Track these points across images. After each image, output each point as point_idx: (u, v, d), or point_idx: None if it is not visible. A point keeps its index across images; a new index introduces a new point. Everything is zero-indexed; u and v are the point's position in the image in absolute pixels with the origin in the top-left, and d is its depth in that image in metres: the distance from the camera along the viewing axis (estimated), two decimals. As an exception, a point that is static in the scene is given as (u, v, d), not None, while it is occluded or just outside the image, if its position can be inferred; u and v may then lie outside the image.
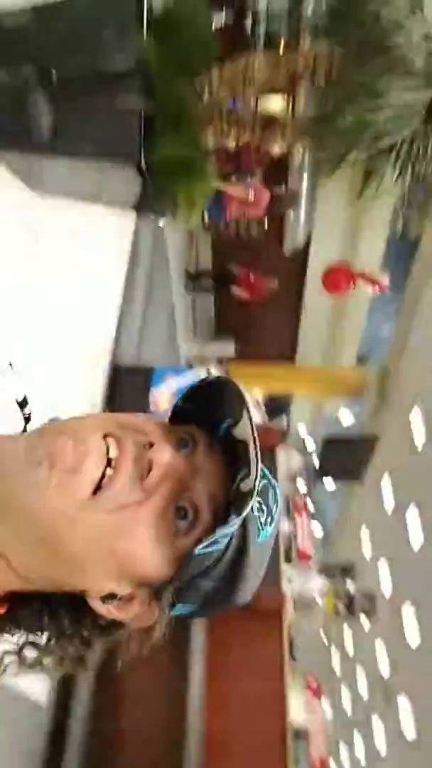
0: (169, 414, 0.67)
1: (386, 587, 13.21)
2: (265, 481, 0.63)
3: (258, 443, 0.58)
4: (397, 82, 1.94)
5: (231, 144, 2.61)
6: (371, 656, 14.80)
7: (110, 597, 0.61)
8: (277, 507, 0.64)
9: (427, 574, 9.93)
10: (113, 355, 5.14)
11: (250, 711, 3.56)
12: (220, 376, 0.64)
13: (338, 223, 9.94)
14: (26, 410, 0.72)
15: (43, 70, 2.71)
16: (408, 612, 10.61)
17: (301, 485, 12.03)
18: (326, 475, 8.42)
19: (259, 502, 0.61)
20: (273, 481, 0.65)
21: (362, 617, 10.97)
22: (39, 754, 3.60)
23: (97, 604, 0.61)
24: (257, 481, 0.57)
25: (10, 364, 0.71)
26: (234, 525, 0.57)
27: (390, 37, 1.94)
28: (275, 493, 0.64)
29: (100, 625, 0.64)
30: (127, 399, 4.81)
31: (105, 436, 0.57)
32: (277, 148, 2.51)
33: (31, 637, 0.64)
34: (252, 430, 0.59)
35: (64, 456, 0.54)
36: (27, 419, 0.72)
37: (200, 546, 0.57)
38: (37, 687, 3.58)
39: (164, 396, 4.88)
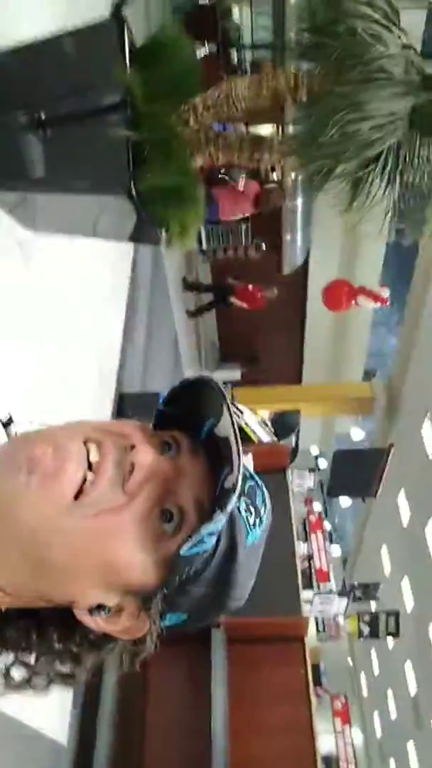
0: (153, 420, 0.66)
1: (410, 605, 12.95)
2: (252, 483, 0.62)
3: (239, 439, 0.56)
4: (378, 92, 1.96)
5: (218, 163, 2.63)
6: (400, 678, 14.44)
7: (98, 609, 0.58)
8: (266, 509, 0.62)
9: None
10: (118, 384, 5.16)
11: (276, 739, 3.45)
12: (200, 376, 0.62)
13: (335, 241, 10.03)
14: (11, 429, 0.71)
15: (32, 112, 2.76)
16: (434, 629, 10.40)
17: (316, 505, 11.91)
18: (339, 492, 8.31)
19: (246, 503, 0.59)
20: (260, 482, 0.63)
21: (388, 638, 10.74)
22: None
23: (85, 617, 0.59)
24: (239, 476, 0.55)
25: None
26: (219, 522, 0.55)
27: (368, 49, 1.98)
28: (263, 495, 0.62)
29: (90, 639, 0.62)
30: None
31: (85, 442, 0.56)
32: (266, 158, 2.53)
33: (19, 656, 0.62)
34: (232, 425, 0.57)
35: (44, 461, 0.53)
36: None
37: (186, 546, 0.55)
38: (57, 725, 3.50)
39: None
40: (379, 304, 8.57)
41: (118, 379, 5.17)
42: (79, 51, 2.72)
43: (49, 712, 3.40)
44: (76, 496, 0.54)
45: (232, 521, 0.57)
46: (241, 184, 6.53)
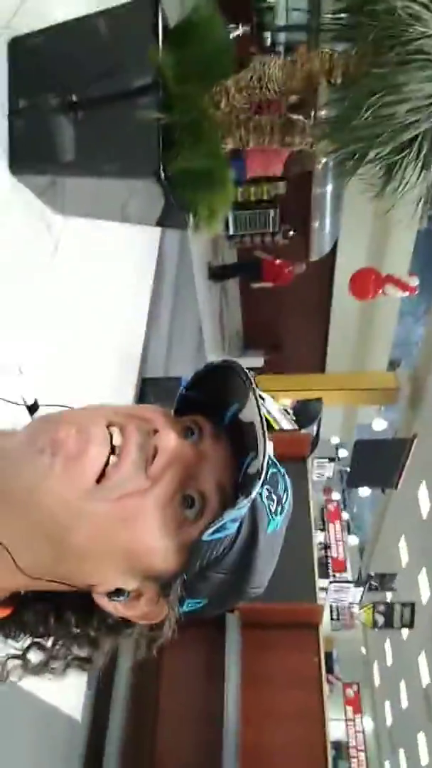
0: (175, 405, 0.65)
1: (426, 597, 12.90)
2: (274, 470, 0.61)
3: (265, 423, 0.55)
4: (416, 74, 1.90)
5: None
6: (413, 669, 14.44)
7: (117, 593, 0.58)
8: (287, 497, 0.62)
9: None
10: (141, 369, 5.18)
11: (287, 724, 3.48)
12: (225, 360, 0.61)
13: (364, 228, 9.86)
14: (36, 415, 0.71)
15: (63, 94, 2.75)
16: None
17: (335, 495, 11.88)
18: (359, 482, 8.26)
19: (268, 490, 0.59)
20: (283, 470, 0.63)
21: (403, 630, 10.72)
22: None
23: (103, 602, 0.59)
24: (265, 461, 0.54)
25: (20, 370, 0.71)
26: (242, 507, 0.54)
27: (406, 29, 1.92)
28: (285, 483, 0.62)
29: (108, 624, 0.62)
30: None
31: (108, 425, 0.56)
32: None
33: (37, 640, 0.62)
34: (258, 410, 0.56)
35: (68, 443, 0.53)
36: None
37: (209, 531, 0.55)
38: (73, 702, 3.58)
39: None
40: (407, 294, 8.43)
41: (142, 363, 5.18)
42: (111, 32, 2.69)
43: (66, 689, 3.47)
44: (99, 480, 0.54)
45: (254, 508, 0.57)
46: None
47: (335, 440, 14.35)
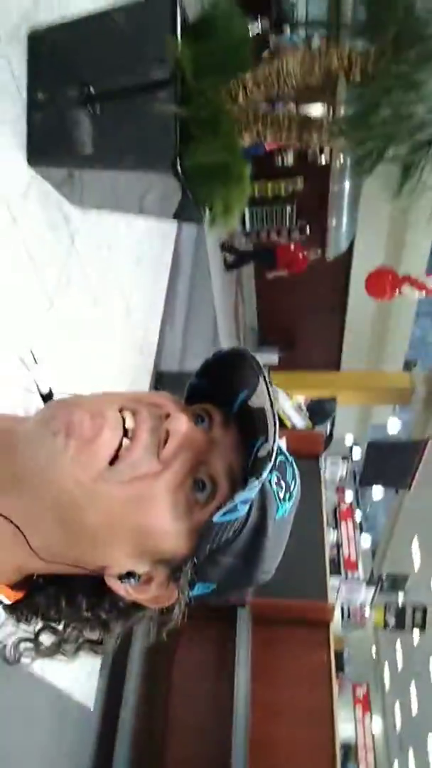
0: (185, 394, 0.66)
1: (439, 600, 12.79)
2: (282, 458, 0.62)
3: (275, 408, 0.56)
4: (435, 73, 1.89)
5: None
6: (423, 671, 14.35)
7: (128, 576, 0.59)
8: (295, 484, 0.63)
9: None
10: (156, 363, 5.19)
11: (297, 721, 3.49)
12: (234, 347, 0.62)
13: (382, 227, 9.79)
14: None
15: (81, 87, 2.76)
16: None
17: (348, 494, 11.82)
18: (372, 481, 8.22)
19: (277, 477, 0.60)
20: (291, 458, 0.64)
21: (414, 631, 10.65)
22: (87, 757, 3.63)
23: (115, 585, 0.60)
24: (275, 445, 0.55)
25: (33, 356, 0.71)
26: (253, 489, 0.55)
27: (427, 27, 1.90)
28: (293, 471, 0.63)
29: (119, 607, 0.62)
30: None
31: (121, 410, 0.57)
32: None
33: (49, 623, 0.63)
34: (268, 395, 0.57)
35: (82, 426, 0.54)
36: None
37: (219, 512, 0.55)
38: (86, 690, 3.61)
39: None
40: (424, 294, 8.36)
41: (157, 357, 5.20)
42: (130, 26, 2.69)
43: (79, 678, 3.50)
44: (112, 462, 0.55)
45: (263, 494, 0.58)
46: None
47: (349, 439, 14.29)
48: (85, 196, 3.18)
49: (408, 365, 11.90)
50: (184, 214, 3.21)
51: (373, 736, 14.16)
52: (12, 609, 0.62)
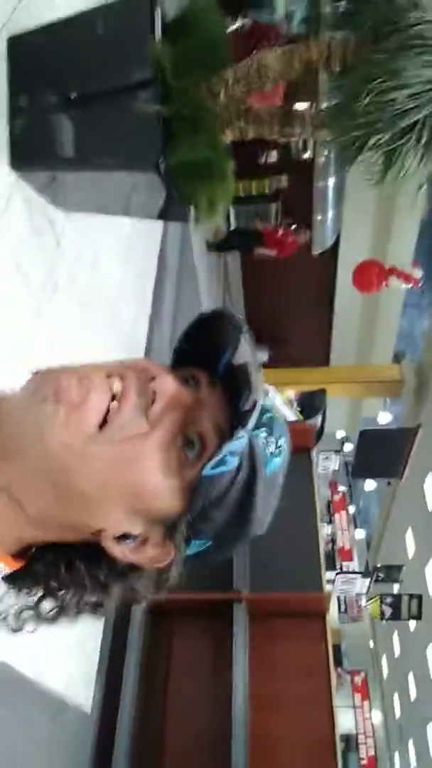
0: (171, 361, 0.67)
1: (434, 589, 12.89)
2: (269, 414, 0.63)
3: (256, 362, 0.58)
4: (415, 59, 1.91)
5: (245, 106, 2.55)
6: (421, 660, 14.46)
7: (124, 538, 0.61)
8: (284, 439, 0.64)
9: None
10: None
11: (296, 712, 3.51)
12: (216, 308, 0.64)
13: (367, 220, 9.84)
14: None
15: (62, 91, 2.76)
16: (457, 614, 10.34)
17: (341, 487, 11.88)
18: (364, 472, 8.26)
19: (266, 432, 0.62)
20: (278, 415, 0.65)
21: (411, 621, 10.72)
22: (85, 760, 3.63)
23: (111, 546, 0.61)
24: (258, 394, 0.57)
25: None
26: (240, 439, 0.56)
27: (405, 15, 1.92)
28: (281, 427, 0.64)
29: (117, 570, 0.63)
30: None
31: (108, 376, 0.58)
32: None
33: (49, 590, 0.64)
34: (250, 351, 0.59)
35: (70, 391, 0.55)
36: None
37: (209, 465, 0.57)
38: (82, 693, 3.61)
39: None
40: (411, 286, 8.42)
41: (145, 356, 5.20)
42: (109, 26, 2.70)
43: (75, 681, 3.51)
44: (101, 426, 0.56)
45: (252, 448, 0.60)
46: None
47: (340, 434, 14.36)
48: (70, 199, 3.18)
49: (397, 357, 11.98)
50: (169, 213, 3.22)
51: (372, 724, 14.25)
52: (12, 578, 0.63)
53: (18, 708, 2.88)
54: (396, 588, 10.61)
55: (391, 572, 9.89)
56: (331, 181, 8.95)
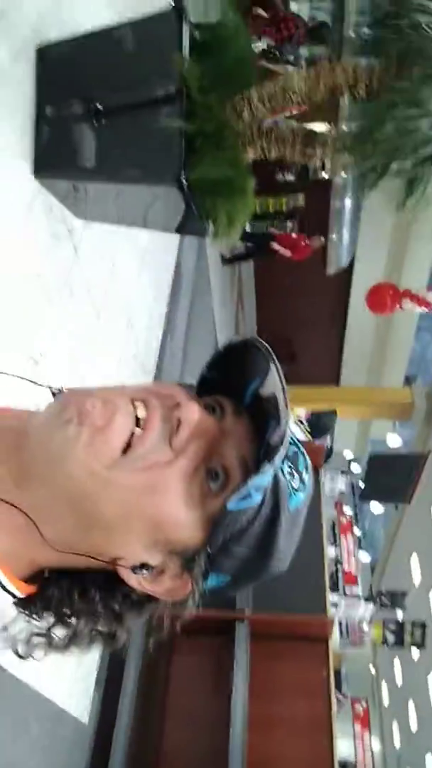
0: (196, 386, 0.65)
1: (438, 617, 12.67)
2: (294, 448, 0.61)
3: (286, 393, 0.56)
4: (439, 89, 1.92)
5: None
6: (422, 689, 14.19)
7: (142, 567, 0.58)
8: (307, 473, 0.62)
9: None
10: (156, 374, 5.20)
11: (294, 736, 3.45)
12: (245, 337, 0.61)
13: (383, 242, 9.86)
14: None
15: (87, 102, 2.80)
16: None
17: (347, 508, 11.77)
18: (372, 495, 8.18)
19: (290, 467, 0.59)
20: (303, 449, 0.63)
21: (413, 649, 10.54)
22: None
23: (127, 576, 0.59)
24: (287, 429, 0.55)
25: (41, 354, 0.72)
26: (266, 474, 0.54)
27: (430, 44, 1.93)
28: (306, 461, 0.62)
29: (132, 600, 0.62)
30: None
31: (132, 400, 0.57)
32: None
33: (61, 616, 0.62)
34: (280, 380, 0.57)
35: (94, 414, 0.54)
36: None
37: (233, 499, 0.55)
38: (81, 704, 3.57)
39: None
40: (425, 310, 8.40)
41: (157, 370, 5.21)
42: (137, 42, 2.74)
43: (74, 693, 3.47)
44: (125, 451, 0.54)
45: (276, 483, 0.57)
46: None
47: (349, 455, 14.26)
48: (89, 209, 3.21)
49: (408, 380, 11.91)
50: (187, 227, 3.24)
51: (372, 753, 13.96)
52: (24, 603, 0.61)
53: (15, 718, 2.85)
54: (400, 615, 10.45)
55: (396, 598, 9.75)
56: (348, 202, 8.99)
